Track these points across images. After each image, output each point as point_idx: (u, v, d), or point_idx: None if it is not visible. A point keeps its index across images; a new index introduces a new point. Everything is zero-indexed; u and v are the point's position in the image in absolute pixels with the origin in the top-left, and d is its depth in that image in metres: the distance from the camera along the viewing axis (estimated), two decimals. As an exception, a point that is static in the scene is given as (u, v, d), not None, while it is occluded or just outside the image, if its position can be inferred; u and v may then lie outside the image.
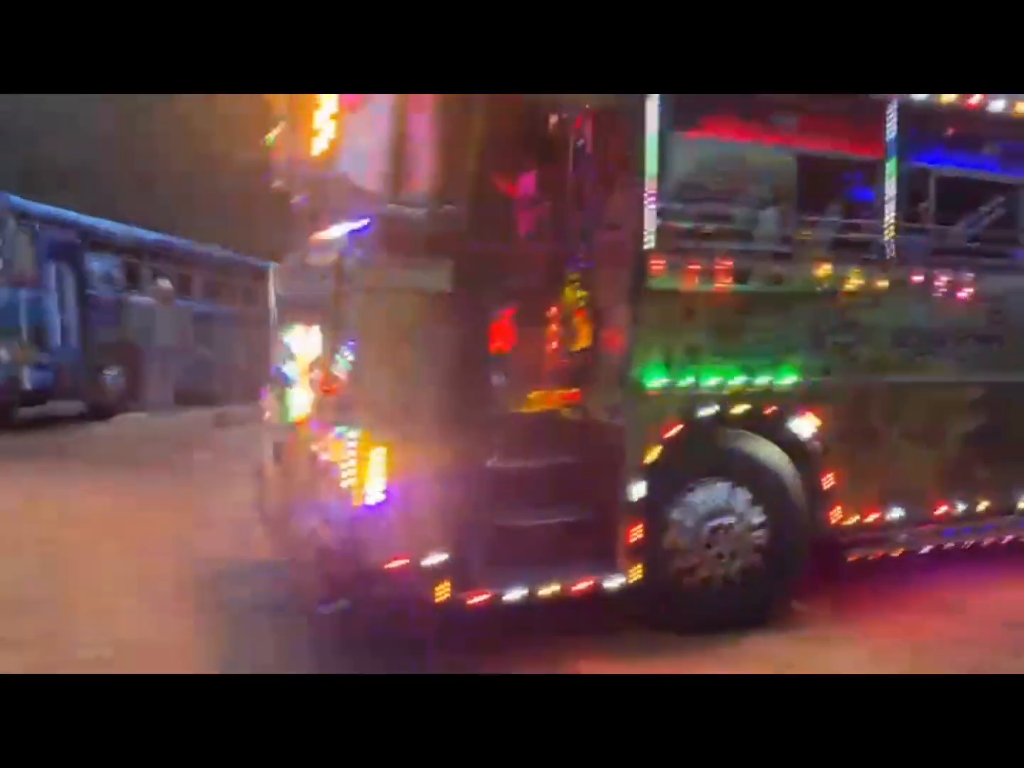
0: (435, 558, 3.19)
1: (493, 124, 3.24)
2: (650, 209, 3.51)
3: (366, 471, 3.08)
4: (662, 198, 3.53)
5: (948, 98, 4.10)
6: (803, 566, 4.00)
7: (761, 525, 3.84)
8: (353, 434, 3.09)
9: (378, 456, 3.07)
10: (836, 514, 4.02)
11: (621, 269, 3.58)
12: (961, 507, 4.34)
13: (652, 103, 3.47)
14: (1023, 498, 4.48)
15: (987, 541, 4.51)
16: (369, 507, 3.09)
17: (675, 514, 3.71)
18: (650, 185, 3.50)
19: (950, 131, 4.33)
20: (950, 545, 4.43)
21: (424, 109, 3.13)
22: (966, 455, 4.29)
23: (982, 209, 4.29)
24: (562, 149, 4.07)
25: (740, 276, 3.70)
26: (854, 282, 3.95)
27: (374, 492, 3.09)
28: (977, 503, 4.37)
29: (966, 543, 4.45)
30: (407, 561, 3.15)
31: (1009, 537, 4.54)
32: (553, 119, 4.16)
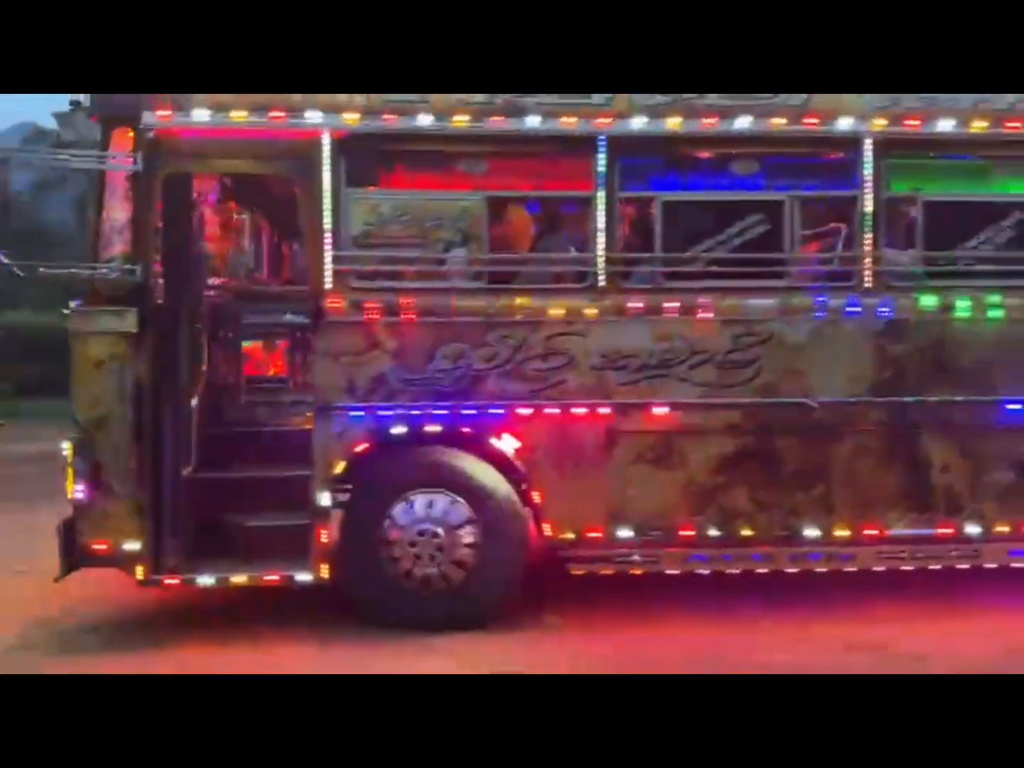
0: (131, 545, 4.02)
1: (176, 202, 4.01)
2: (327, 256, 4.06)
3: (70, 475, 3.98)
4: (339, 246, 4.06)
5: (671, 123, 4.17)
6: (518, 575, 4.29)
7: (473, 535, 4.20)
8: (65, 445, 4.02)
9: (78, 464, 3.96)
10: (548, 529, 4.24)
11: (310, 306, 4.15)
12: (714, 532, 4.31)
13: (326, 165, 4.02)
14: (801, 527, 4.32)
15: (762, 570, 4.42)
16: (75, 501, 4.00)
17: (388, 520, 4.20)
18: (327, 235, 4.05)
19: (677, 157, 4.32)
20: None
21: (116, 193, 3.96)
22: (718, 480, 4.27)
23: (728, 231, 4.22)
24: (258, 207, 4.68)
25: (423, 310, 4.10)
26: (557, 311, 4.16)
27: (76, 491, 3.98)
28: (737, 528, 4.31)
29: (730, 569, 4.41)
30: (106, 546, 4.01)
31: (793, 569, 4.42)
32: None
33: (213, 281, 4.96)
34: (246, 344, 4.80)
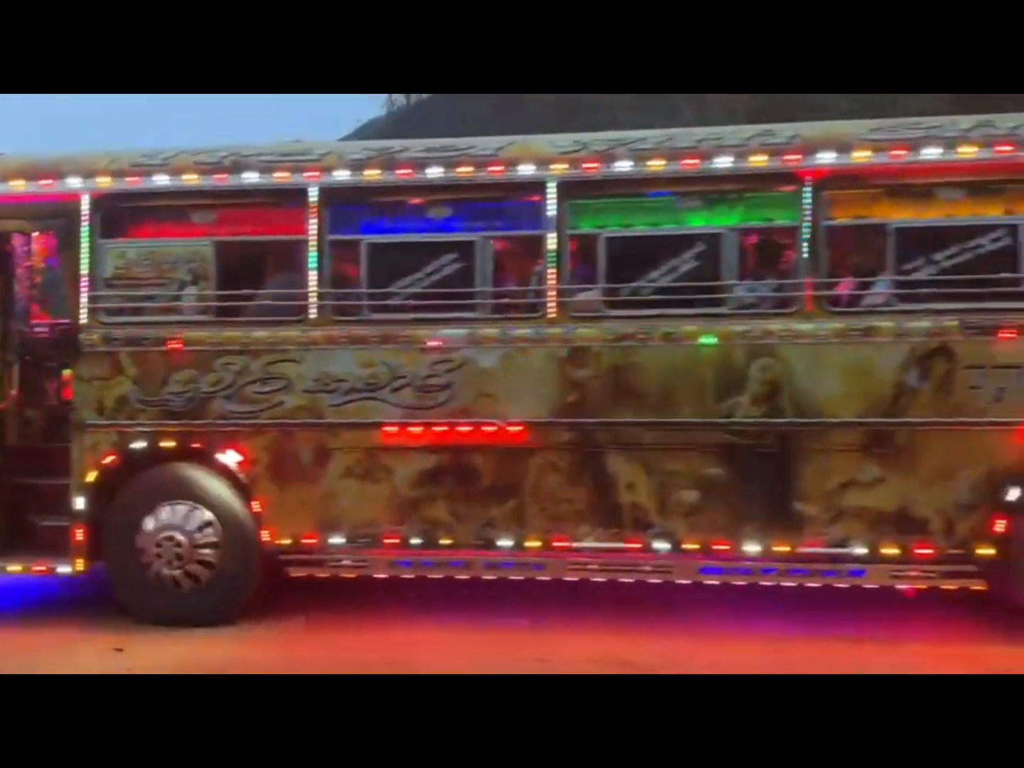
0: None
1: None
2: (83, 296, 4.81)
3: None
4: (93, 287, 4.81)
5: (370, 175, 4.70)
6: (251, 576, 4.83)
7: (212, 539, 4.80)
8: None
9: None
10: (267, 535, 4.77)
11: (71, 339, 4.90)
12: (416, 540, 4.70)
13: (85, 221, 4.79)
14: (496, 538, 4.65)
15: (461, 576, 4.79)
16: None
17: (139, 527, 4.86)
18: (84, 279, 4.81)
19: (380, 203, 4.83)
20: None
21: None
22: (419, 493, 4.68)
23: (426, 268, 4.68)
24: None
25: (159, 341, 4.78)
26: (273, 340, 4.73)
27: None
28: (437, 537, 4.69)
29: (432, 575, 4.80)
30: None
31: (489, 576, 4.76)
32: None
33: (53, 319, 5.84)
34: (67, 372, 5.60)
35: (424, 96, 23.14)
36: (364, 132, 21.38)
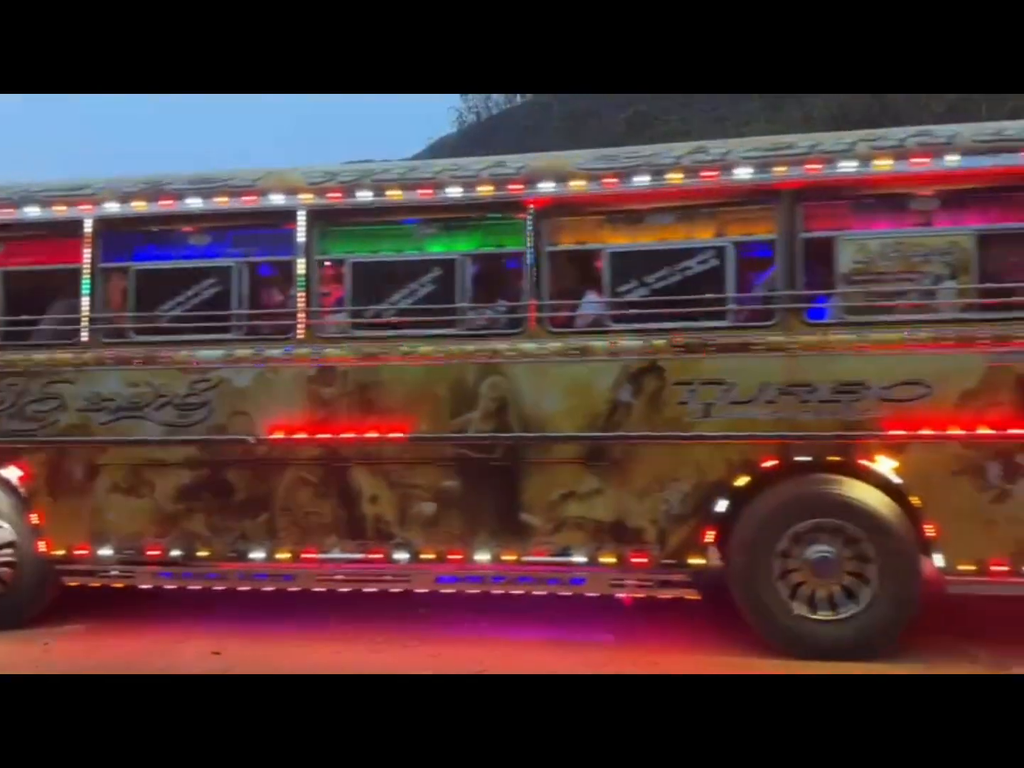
0: None
1: None
2: None
3: None
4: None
5: (137, 206, 5.02)
6: (33, 586, 5.09)
7: (10, 545, 5.09)
8: None
9: None
10: (43, 546, 5.04)
11: None
12: (176, 552, 4.95)
13: None
14: (249, 550, 4.88)
15: (218, 587, 5.05)
16: None
17: None
18: None
19: (148, 232, 5.14)
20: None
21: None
22: (179, 507, 4.93)
23: (187, 292, 4.97)
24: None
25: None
26: (49, 362, 5.03)
27: None
28: (195, 550, 4.93)
29: (191, 586, 5.06)
30: None
31: (244, 587, 5.02)
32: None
33: None
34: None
35: (493, 113, 23.93)
36: (435, 150, 21.97)
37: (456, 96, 25.74)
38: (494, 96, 24.60)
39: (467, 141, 21.29)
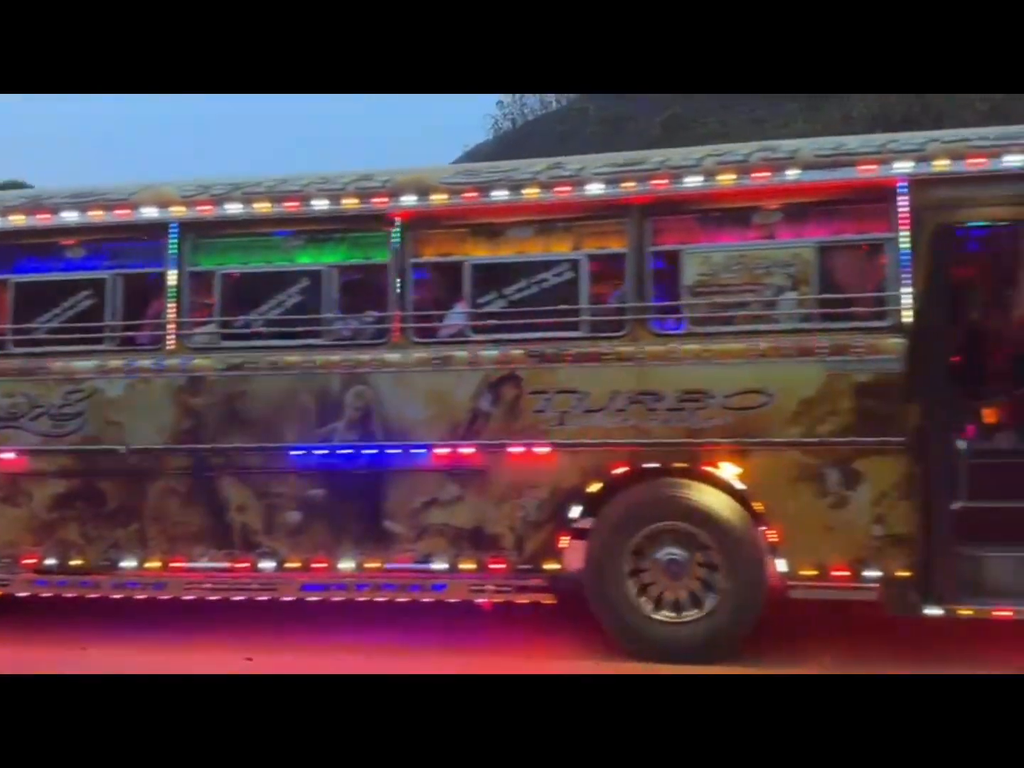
0: None
1: None
2: None
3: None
4: None
5: (16, 219, 5.09)
6: None
7: None
8: None
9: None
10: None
11: None
12: (52, 561, 5.00)
13: None
14: (120, 558, 4.94)
15: (92, 595, 5.10)
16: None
17: None
18: None
19: (32, 245, 5.21)
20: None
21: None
22: (55, 516, 4.98)
23: (63, 304, 5.03)
24: None
25: None
26: None
27: None
28: (69, 558, 4.98)
29: (66, 594, 5.09)
30: None
31: (116, 595, 5.08)
32: None
33: None
34: None
35: (528, 119, 24.01)
36: (472, 157, 22.05)
37: (491, 104, 25.82)
38: (529, 102, 24.66)
39: (503, 148, 21.29)
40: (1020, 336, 4.93)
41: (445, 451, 4.64)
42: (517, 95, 23.93)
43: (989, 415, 4.99)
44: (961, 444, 4.41)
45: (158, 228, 4.99)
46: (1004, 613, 4.21)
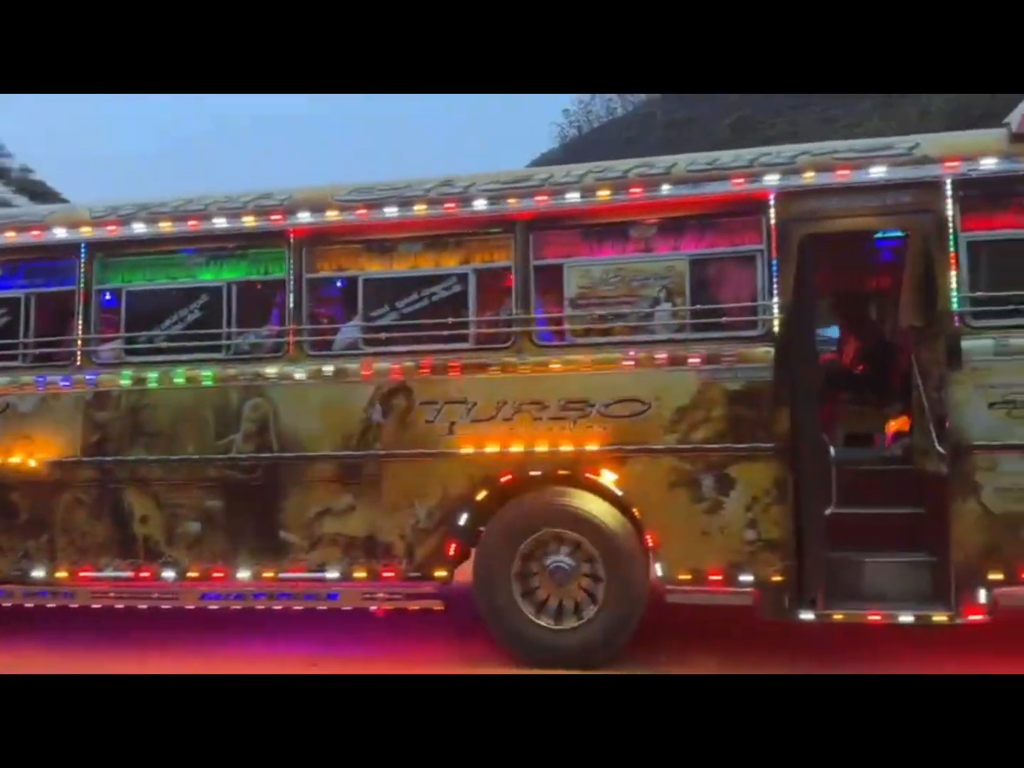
0: None
1: None
2: None
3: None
4: None
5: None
6: None
7: None
8: None
9: None
10: None
11: None
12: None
13: None
14: (31, 569, 5.06)
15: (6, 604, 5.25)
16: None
17: None
18: None
19: None
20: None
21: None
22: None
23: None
24: None
25: None
26: None
27: None
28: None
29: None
30: None
31: (29, 604, 5.20)
32: None
33: None
34: None
35: (594, 125, 24.39)
36: (540, 163, 22.41)
37: (558, 112, 26.08)
38: (595, 108, 25.07)
39: (569, 154, 21.55)
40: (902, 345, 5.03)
41: (338, 461, 4.77)
42: (583, 101, 24.15)
43: (896, 424, 5.11)
44: (833, 450, 4.51)
45: (69, 248, 5.17)
46: (875, 617, 4.28)
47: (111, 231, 5.11)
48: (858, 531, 4.46)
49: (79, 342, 5.08)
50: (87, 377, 5.05)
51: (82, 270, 5.11)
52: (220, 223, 4.98)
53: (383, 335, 4.82)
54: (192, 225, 5.02)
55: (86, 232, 5.13)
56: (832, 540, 4.39)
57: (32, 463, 5.05)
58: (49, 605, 5.14)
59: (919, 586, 4.33)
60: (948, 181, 4.25)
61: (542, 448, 4.55)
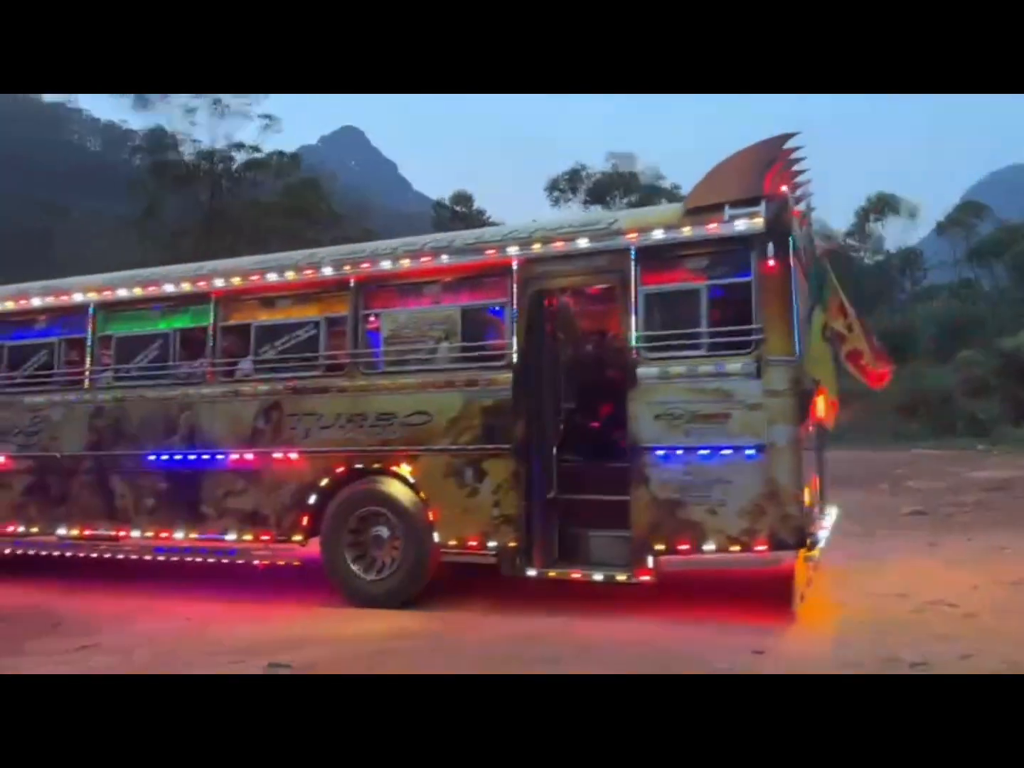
0: None
1: None
2: None
3: None
4: None
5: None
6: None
7: None
8: None
9: None
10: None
11: None
12: (21, 529, 7.52)
13: None
14: (59, 528, 7.37)
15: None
16: None
17: None
18: None
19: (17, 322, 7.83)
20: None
21: None
22: (25, 499, 7.51)
23: (35, 358, 7.63)
24: None
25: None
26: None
27: None
28: (31, 526, 7.48)
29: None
30: None
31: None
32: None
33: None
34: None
35: None
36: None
37: None
38: None
39: None
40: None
41: (235, 457, 6.72)
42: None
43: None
44: (555, 450, 5.93)
45: (81, 308, 7.49)
46: (576, 576, 5.67)
47: (107, 295, 7.39)
48: (586, 512, 5.87)
49: (86, 372, 7.39)
50: (90, 396, 7.34)
51: (89, 323, 7.42)
52: (168, 288, 7.12)
53: (266, 366, 6.75)
54: (152, 290, 7.21)
55: (92, 297, 7.44)
56: (569, 518, 5.84)
57: (58, 455, 7.40)
58: (67, 555, 7.46)
59: (619, 554, 5.67)
60: (632, 248, 5.61)
61: (363, 448, 6.29)
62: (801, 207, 5.66)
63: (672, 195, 41.45)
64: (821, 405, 5.38)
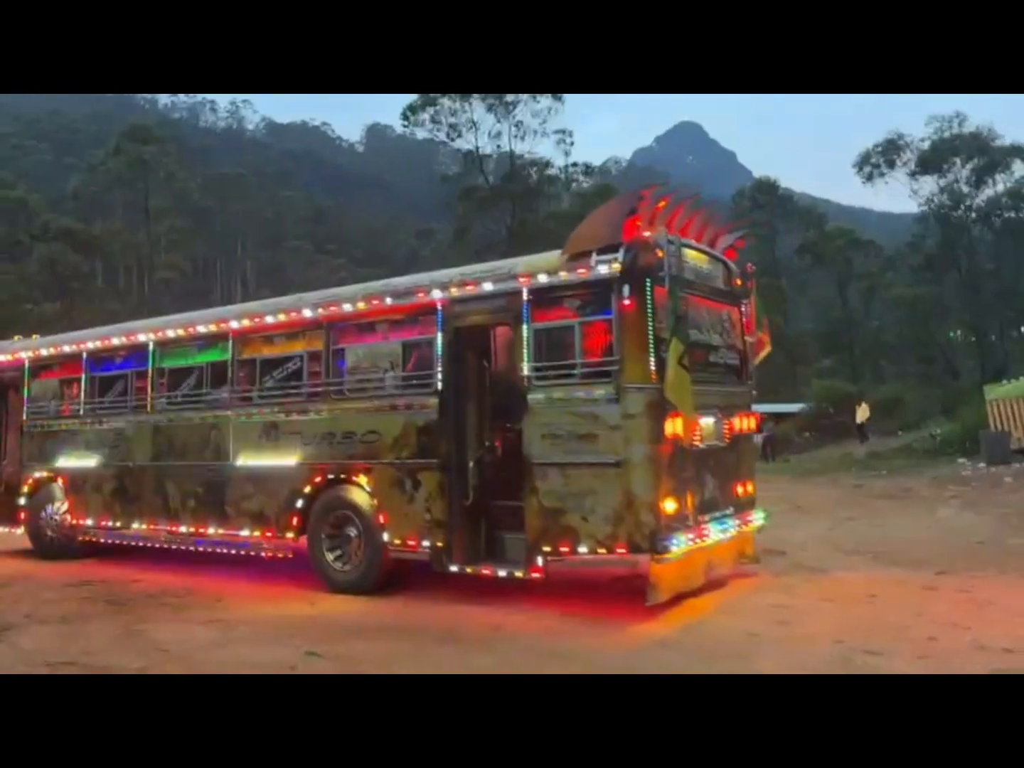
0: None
1: None
2: None
3: None
4: None
5: (93, 345, 9.68)
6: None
7: None
8: None
9: None
10: (70, 519, 9.82)
11: None
12: (113, 524, 9.40)
13: None
14: (133, 523, 9.17)
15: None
16: None
17: None
18: None
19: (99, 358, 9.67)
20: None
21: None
22: (112, 499, 9.40)
23: (120, 387, 9.47)
24: None
25: None
26: None
27: None
28: (117, 519, 9.34)
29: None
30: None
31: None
32: None
33: None
34: None
35: None
36: None
37: None
38: None
39: None
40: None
41: (247, 467, 8.16)
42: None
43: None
44: (472, 464, 6.87)
45: (143, 346, 9.24)
46: (486, 572, 6.61)
47: (161, 335, 9.09)
48: (504, 517, 6.79)
49: (149, 398, 9.14)
50: (152, 417, 9.08)
51: (150, 358, 9.15)
52: (203, 328, 8.70)
53: (267, 393, 8.14)
54: (191, 330, 8.81)
55: (151, 337, 9.18)
56: (493, 522, 6.80)
57: (130, 464, 9.20)
58: (139, 544, 9.26)
59: (522, 554, 6.55)
60: (524, 290, 6.45)
61: (334, 461, 7.53)
62: (671, 248, 6.23)
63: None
64: (678, 425, 5.99)
